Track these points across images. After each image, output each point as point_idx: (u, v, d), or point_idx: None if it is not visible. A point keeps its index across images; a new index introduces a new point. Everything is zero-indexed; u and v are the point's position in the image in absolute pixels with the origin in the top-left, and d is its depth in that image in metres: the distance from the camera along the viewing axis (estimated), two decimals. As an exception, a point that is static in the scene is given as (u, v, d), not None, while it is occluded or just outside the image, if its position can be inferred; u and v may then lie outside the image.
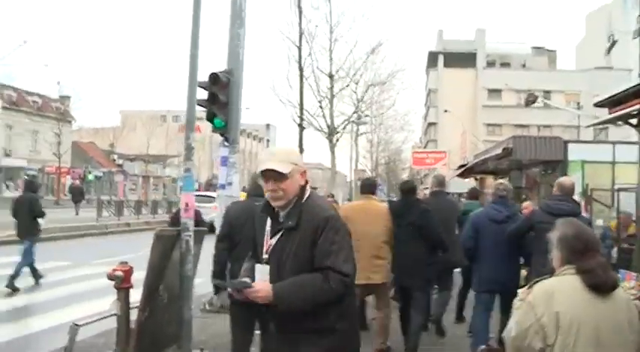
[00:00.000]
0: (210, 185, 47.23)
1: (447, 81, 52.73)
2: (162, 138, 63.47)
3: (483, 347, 2.90)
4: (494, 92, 51.88)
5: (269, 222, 2.93)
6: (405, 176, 65.12)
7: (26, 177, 38.44)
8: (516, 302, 2.87)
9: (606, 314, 2.64)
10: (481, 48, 54.03)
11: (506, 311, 5.07)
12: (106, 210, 25.69)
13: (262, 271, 2.87)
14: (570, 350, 2.56)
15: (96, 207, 25.69)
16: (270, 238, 2.90)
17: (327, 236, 2.78)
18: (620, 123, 8.51)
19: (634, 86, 7.33)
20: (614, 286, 2.68)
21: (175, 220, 7.36)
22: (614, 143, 12.78)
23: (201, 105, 7.88)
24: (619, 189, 9.97)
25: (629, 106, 7.30)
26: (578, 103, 46.04)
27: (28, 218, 10.33)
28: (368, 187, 6.78)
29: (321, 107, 16.27)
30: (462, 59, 52.83)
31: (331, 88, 17.23)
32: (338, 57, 17.52)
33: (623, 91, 7.61)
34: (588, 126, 10.70)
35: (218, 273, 5.36)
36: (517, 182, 14.69)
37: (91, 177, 57.38)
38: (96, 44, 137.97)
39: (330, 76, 17.24)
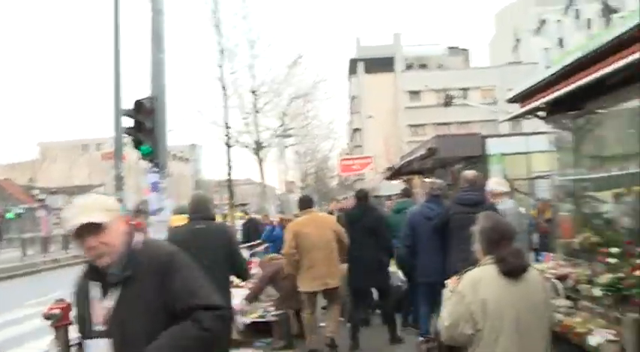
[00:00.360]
0: (138, 211, 46.15)
1: (368, 86, 53.77)
2: (84, 168, 61.50)
3: (421, 338, 3.08)
4: (415, 94, 53.34)
5: (96, 288, 2.47)
6: (334, 184, 65.85)
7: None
8: (446, 293, 3.08)
9: (522, 296, 2.90)
10: (398, 51, 55.49)
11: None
12: (31, 248, 24.66)
13: (96, 347, 2.43)
14: (497, 333, 2.79)
15: (20, 246, 24.64)
16: (104, 302, 2.44)
17: (180, 274, 2.46)
18: (530, 116, 8.98)
19: (538, 82, 7.74)
20: (524, 270, 2.93)
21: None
22: (527, 134, 13.46)
23: (128, 134, 7.81)
24: (535, 177, 10.51)
25: (535, 100, 7.71)
26: (494, 98, 47.95)
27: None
28: (307, 202, 7.31)
29: (246, 124, 16.33)
30: (381, 64, 54.03)
31: (255, 104, 17.31)
32: (260, 73, 17.65)
33: (530, 87, 8.04)
34: (502, 121, 11.25)
35: None
36: (443, 179, 15.18)
37: (10, 215, 54.74)
38: (6, 74, 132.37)
39: (253, 92, 17.33)
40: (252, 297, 7.63)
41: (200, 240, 4.82)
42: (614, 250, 5.76)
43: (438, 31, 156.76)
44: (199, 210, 5.17)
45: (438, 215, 6.47)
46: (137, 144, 8.16)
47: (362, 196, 7.55)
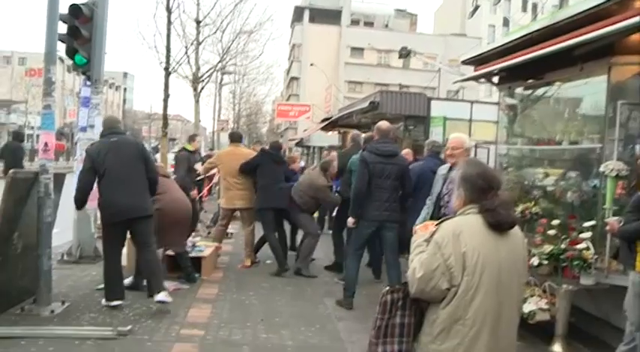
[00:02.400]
0: (61, 134, 43.88)
1: (311, 36, 52.74)
2: (6, 82, 57.68)
3: (387, 288, 2.82)
4: (357, 50, 52.82)
5: None
6: (264, 129, 65.19)
7: None
8: (416, 240, 2.84)
9: (507, 253, 2.68)
10: (346, 6, 54.46)
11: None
12: None
13: None
14: (474, 290, 2.58)
15: None
16: None
17: None
18: (482, 80, 8.89)
19: (499, 46, 7.62)
20: (513, 224, 2.72)
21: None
22: (472, 102, 13.51)
23: (61, 41, 7.11)
24: (476, 146, 10.52)
25: (493, 65, 7.61)
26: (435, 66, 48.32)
27: None
28: (236, 137, 9.23)
29: (187, 54, 15.49)
30: (327, 16, 53.03)
31: (197, 35, 16.45)
32: (206, 3, 16.72)
33: (489, 51, 7.92)
34: (455, 82, 11.09)
35: (80, 202, 5.93)
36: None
37: None
38: None
39: (197, 22, 16.43)
40: None
41: (116, 150, 5.73)
42: (555, 222, 5.78)
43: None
44: (112, 126, 6.07)
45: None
46: (71, 53, 7.50)
47: (275, 146, 9.10)
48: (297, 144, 37.86)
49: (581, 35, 5.47)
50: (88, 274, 7.13)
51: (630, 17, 4.93)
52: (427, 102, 12.93)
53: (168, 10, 11.93)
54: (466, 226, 2.66)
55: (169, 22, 11.88)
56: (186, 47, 15.42)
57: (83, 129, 7.88)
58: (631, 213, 4.77)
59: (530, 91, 7.74)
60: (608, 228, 4.95)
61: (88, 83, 7.78)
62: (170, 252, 7.03)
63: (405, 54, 15.12)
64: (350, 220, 6.51)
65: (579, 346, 5.41)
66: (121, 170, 5.66)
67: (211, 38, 17.87)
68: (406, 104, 13.19)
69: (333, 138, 24.47)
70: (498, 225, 2.66)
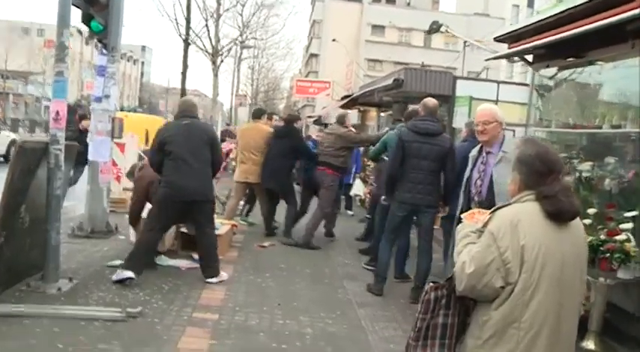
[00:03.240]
0: (78, 106, 43.64)
1: (332, 13, 51.98)
2: (24, 53, 57.55)
3: (430, 284, 2.48)
4: (378, 28, 52.06)
5: None
6: (282, 106, 64.75)
7: None
8: (462, 230, 2.50)
9: (569, 246, 2.33)
10: (369, -18, 53.63)
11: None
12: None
13: None
14: (533, 289, 2.23)
15: None
16: None
17: None
18: (516, 58, 8.45)
19: (534, 22, 7.19)
20: (576, 213, 2.37)
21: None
22: (498, 82, 13.01)
23: (76, 6, 6.78)
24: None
25: (528, 42, 7.19)
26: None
27: None
28: (258, 113, 9.69)
29: (207, 26, 15.09)
30: (348, -9, 52.28)
31: (218, 7, 16.03)
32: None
33: (524, 27, 7.49)
34: (488, 60, 10.62)
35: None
36: (398, 115, 14.66)
37: None
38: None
39: (218, -8, 16.02)
40: (134, 218, 6.66)
41: (186, 133, 5.84)
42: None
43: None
44: (186, 109, 6.18)
45: None
46: (87, 20, 7.19)
47: (289, 120, 9.20)
48: (315, 122, 37.45)
49: (630, 10, 5.06)
50: (99, 250, 6.86)
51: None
52: (453, 81, 12.43)
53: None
54: (524, 215, 2.31)
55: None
56: (206, 19, 15.04)
57: (98, 100, 7.55)
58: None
59: (567, 71, 7.31)
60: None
61: (105, 51, 7.45)
62: (184, 229, 6.75)
63: (435, 29, 14.52)
64: (382, 198, 6.25)
65: (614, 344, 5.06)
66: (186, 153, 5.77)
67: (232, 11, 17.48)
68: (431, 83, 12.69)
69: (352, 116, 24.02)
70: (559, 215, 2.31)
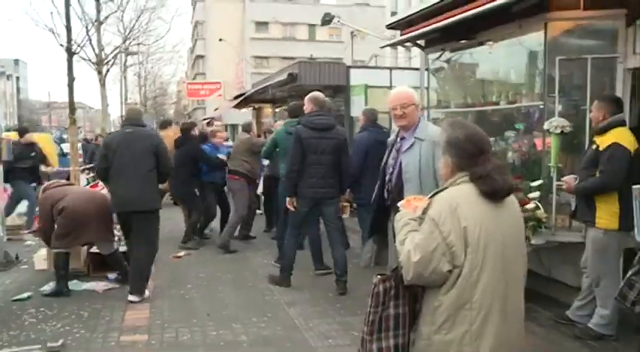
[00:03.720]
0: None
1: (214, 13, 51.25)
2: None
3: (378, 276, 2.45)
4: (262, 24, 51.90)
5: None
6: (172, 111, 63.13)
7: None
8: (402, 219, 2.48)
9: (507, 223, 2.38)
10: (248, -21, 53.26)
11: None
12: None
13: None
14: (479, 269, 2.26)
15: None
16: None
17: None
18: (408, 44, 8.66)
19: (424, 9, 7.40)
20: (510, 190, 2.42)
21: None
22: (390, 69, 13.33)
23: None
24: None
25: (420, 28, 7.38)
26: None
27: None
28: (164, 124, 10.48)
29: (87, 34, 14.32)
30: (228, -10, 51.68)
31: (98, 14, 15.26)
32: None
33: (415, 13, 7.70)
34: (383, 47, 10.85)
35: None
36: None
37: None
38: None
39: (97, 0, 15.23)
40: (44, 239, 6.21)
41: (128, 141, 5.77)
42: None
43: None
44: (130, 117, 6.16)
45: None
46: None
47: (184, 128, 9.05)
48: (208, 124, 36.80)
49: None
50: (0, 284, 6.34)
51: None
52: (346, 71, 12.60)
53: (65, -15, 10.85)
54: (462, 197, 2.32)
55: (67, 1, 10.80)
56: (86, 27, 14.26)
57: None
58: (586, 169, 4.68)
59: (459, 53, 7.59)
60: (564, 186, 4.84)
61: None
62: (95, 250, 6.38)
63: (328, 21, 14.63)
64: (287, 200, 6.12)
65: (530, 305, 5.32)
66: (129, 162, 5.69)
67: (112, 18, 16.72)
68: (325, 74, 12.79)
69: (246, 114, 23.81)
70: (494, 193, 2.35)
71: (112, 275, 6.24)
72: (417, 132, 4.43)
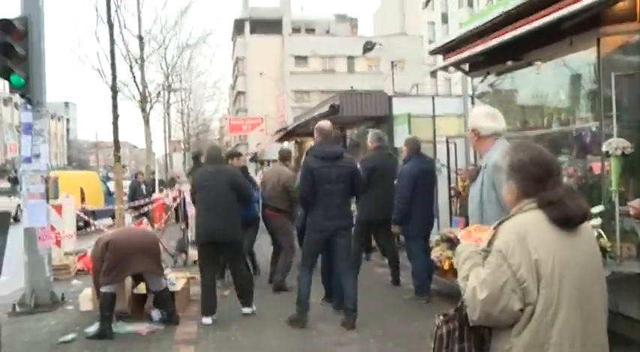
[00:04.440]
0: (2, 171, 41.43)
1: (254, 48, 52.10)
2: None
3: (440, 317, 2.21)
4: (301, 58, 52.48)
5: None
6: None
7: None
8: (466, 253, 2.25)
9: (583, 252, 2.11)
10: (287, 15, 54.08)
11: None
12: None
13: None
14: (555, 306, 2.01)
15: None
16: None
17: None
18: (452, 69, 8.47)
19: (466, 33, 7.23)
20: (585, 216, 2.17)
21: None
22: (433, 97, 13.12)
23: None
24: (447, 140, 10.10)
25: (464, 51, 7.21)
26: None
27: None
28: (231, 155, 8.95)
29: (132, 72, 14.62)
30: (268, 26, 52.52)
31: (141, 51, 15.58)
32: (147, 18, 15.90)
33: (457, 38, 7.53)
34: (432, 71, 10.76)
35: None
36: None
37: None
38: None
39: (140, 38, 15.57)
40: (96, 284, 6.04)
41: (211, 180, 6.36)
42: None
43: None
44: (211, 157, 6.63)
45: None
46: (6, 74, 6.73)
47: (225, 155, 8.40)
48: (251, 160, 37.12)
49: (566, 6, 5.07)
50: (46, 325, 6.25)
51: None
52: (388, 100, 12.45)
53: (110, 24, 11.07)
54: (530, 225, 2.08)
55: (112, 38, 11.02)
56: (130, 66, 14.57)
57: (27, 160, 7.02)
58: (654, 192, 4.36)
59: (504, 76, 7.35)
60: (632, 211, 4.51)
61: (29, 107, 6.98)
62: (137, 291, 6.29)
63: (369, 48, 14.61)
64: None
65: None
66: (211, 197, 6.26)
67: (155, 55, 17.07)
68: (367, 105, 12.68)
69: (290, 148, 23.91)
70: (567, 220, 2.09)
71: (156, 315, 6.09)
72: (484, 158, 3.92)
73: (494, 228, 2.16)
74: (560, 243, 2.07)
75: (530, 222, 2.10)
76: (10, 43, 6.54)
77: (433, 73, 9.89)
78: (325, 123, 6.25)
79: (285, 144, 24.01)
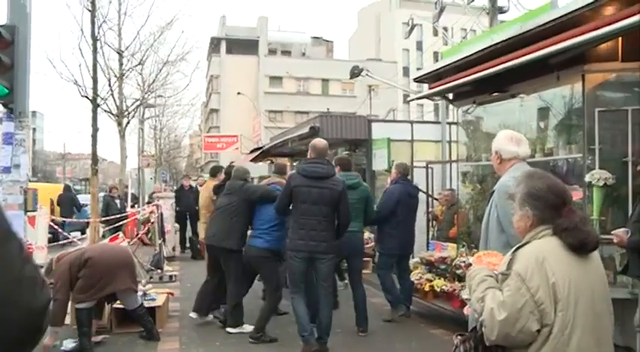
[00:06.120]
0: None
1: (229, 67, 52.26)
2: None
3: (458, 337, 2.27)
4: (276, 79, 52.74)
5: None
6: (184, 164, 63.35)
7: None
8: (480, 276, 2.32)
9: (595, 277, 2.23)
10: (263, 36, 54.40)
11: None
12: None
13: None
14: (570, 328, 2.09)
15: None
16: None
17: None
18: (436, 98, 8.65)
19: (451, 63, 7.40)
20: (598, 243, 2.27)
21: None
22: (411, 122, 13.33)
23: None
24: (427, 165, 10.25)
25: (447, 82, 7.38)
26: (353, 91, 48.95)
27: None
28: (214, 171, 9.87)
29: (110, 86, 14.48)
30: (244, 46, 52.73)
31: (120, 66, 15.48)
32: (127, 34, 15.80)
33: (442, 68, 7.69)
34: (410, 100, 10.91)
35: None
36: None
37: None
38: None
39: (120, 53, 15.47)
40: (58, 316, 5.50)
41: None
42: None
43: (302, 20, 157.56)
44: (238, 177, 6.77)
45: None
46: (-11, 83, 6.59)
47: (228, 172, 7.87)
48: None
49: (554, 44, 5.27)
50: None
51: (604, 25, 4.78)
52: (368, 124, 12.61)
53: (94, 39, 11.00)
54: (548, 251, 2.18)
55: (95, 51, 10.94)
56: (109, 80, 14.44)
57: (6, 170, 6.90)
58: (637, 222, 4.51)
59: (489, 105, 7.52)
60: (615, 240, 4.65)
61: (11, 116, 6.87)
62: (119, 305, 6.19)
63: (356, 73, 14.78)
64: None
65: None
66: (224, 212, 6.58)
67: (133, 71, 16.95)
68: (347, 128, 12.82)
69: (262, 168, 23.86)
70: (582, 246, 2.20)
71: (68, 344, 5.78)
72: (497, 184, 3.77)
73: (513, 253, 2.23)
74: (574, 267, 2.17)
75: (547, 248, 2.19)
76: (-4, 52, 6.45)
77: (421, 98, 10.01)
78: (320, 141, 6.01)
79: (260, 164, 24.02)
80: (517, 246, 2.27)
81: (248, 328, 6.26)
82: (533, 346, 2.11)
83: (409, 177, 7.91)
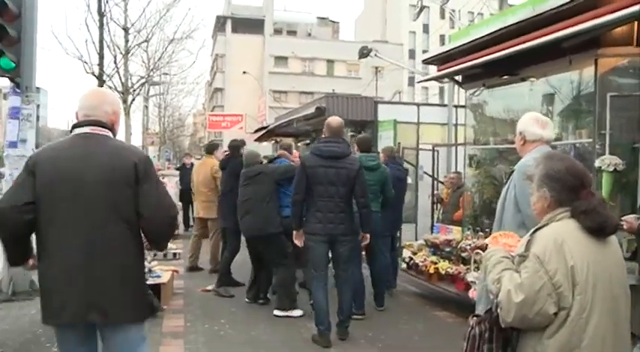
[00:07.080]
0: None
1: (234, 46, 51.99)
2: None
3: (474, 318, 2.26)
4: (281, 59, 52.50)
5: None
6: (187, 143, 63.29)
7: None
8: (496, 257, 2.31)
9: (612, 261, 2.21)
10: (269, 15, 54.05)
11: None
12: None
13: None
14: (589, 311, 2.08)
15: None
16: None
17: None
18: (445, 80, 8.57)
19: (462, 45, 7.32)
20: (616, 226, 2.24)
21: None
22: (418, 104, 13.25)
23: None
24: (433, 148, 10.21)
25: (457, 64, 7.30)
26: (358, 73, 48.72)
27: None
28: (211, 148, 9.44)
29: (115, 63, 14.41)
30: (249, 25, 52.43)
31: (126, 43, 15.39)
32: (133, 11, 15.70)
33: (452, 49, 7.61)
34: (420, 81, 10.79)
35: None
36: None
37: None
38: None
39: (125, 30, 15.37)
40: None
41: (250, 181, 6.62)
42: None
43: (309, 0, 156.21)
44: (249, 162, 6.78)
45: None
46: (-5, 55, 6.56)
47: (235, 146, 7.91)
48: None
49: (567, 27, 5.20)
50: (26, 313, 6.11)
51: (621, 8, 4.71)
52: (374, 106, 12.53)
53: (101, 14, 10.91)
54: (566, 233, 2.16)
55: (102, 27, 10.86)
56: (115, 57, 14.37)
57: (13, 145, 6.90)
58: (648, 209, 4.48)
59: (499, 88, 7.46)
60: (625, 226, 4.62)
61: (18, 91, 6.84)
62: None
63: (365, 54, 14.65)
64: (294, 234, 5.56)
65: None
66: (255, 201, 6.48)
67: (138, 48, 16.87)
68: (353, 108, 12.77)
69: (267, 148, 23.85)
70: (601, 230, 2.18)
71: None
72: (518, 164, 3.68)
73: (531, 235, 2.21)
74: (593, 251, 2.15)
75: (566, 231, 2.16)
76: (2, 25, 6.38)
77: (430, 80, 9.94)
78: (334, 119, 5.69)
79: (265, 143, 23.99)
80: (535, 227, 2.25)
81: (297, 313, 6.23)
82: (550, 327, 2.10)
83: (397, 160, 8.03)
